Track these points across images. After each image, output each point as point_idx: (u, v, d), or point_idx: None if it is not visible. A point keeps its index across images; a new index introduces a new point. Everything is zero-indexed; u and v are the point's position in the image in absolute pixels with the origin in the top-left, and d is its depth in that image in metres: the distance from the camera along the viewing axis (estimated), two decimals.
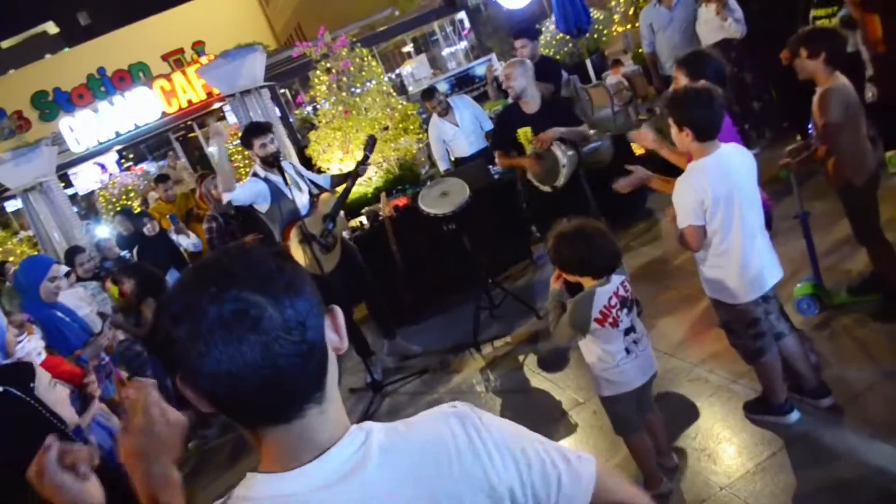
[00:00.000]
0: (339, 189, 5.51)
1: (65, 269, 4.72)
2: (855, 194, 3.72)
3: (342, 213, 5.52)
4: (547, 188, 4.96)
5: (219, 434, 5.84)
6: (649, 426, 3.24)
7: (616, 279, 2.98)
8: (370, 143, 5.46)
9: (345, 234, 5.87)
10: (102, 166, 16.52)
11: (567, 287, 3.12)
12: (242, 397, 0.97)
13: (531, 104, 5.03)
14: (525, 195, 5.57)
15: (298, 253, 4.99)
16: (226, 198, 5.04)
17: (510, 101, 5.33)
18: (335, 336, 1.07)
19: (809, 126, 3.81)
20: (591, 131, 5.16)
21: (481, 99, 8.57)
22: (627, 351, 3.01)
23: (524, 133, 4.97)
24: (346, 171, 6.48)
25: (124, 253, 7.41)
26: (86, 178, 16.81)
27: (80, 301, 4.99)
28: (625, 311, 2.98)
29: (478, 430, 1.10)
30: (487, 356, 5.31)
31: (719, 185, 2.98)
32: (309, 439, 1.02)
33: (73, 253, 6.51)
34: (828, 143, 3.60)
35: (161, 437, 1.29)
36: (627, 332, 3.00)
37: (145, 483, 1.27)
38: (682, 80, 3.48)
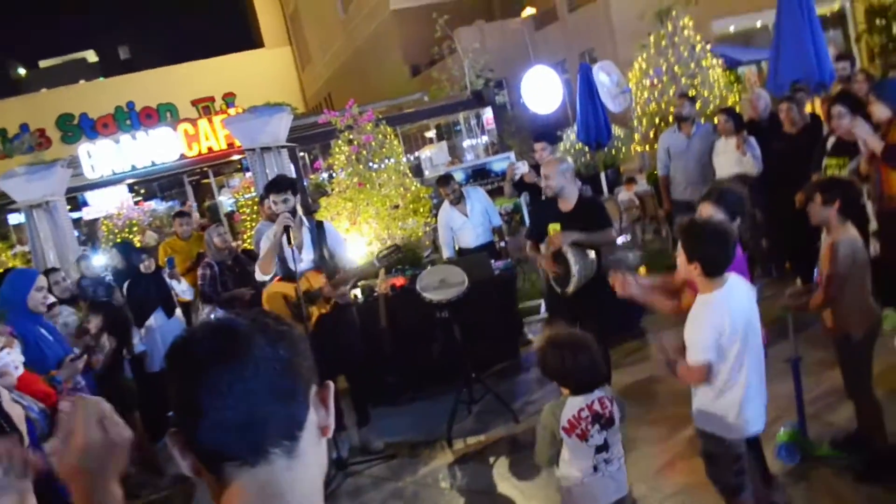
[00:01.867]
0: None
1: (44, 280, 4.69)
2: (852, 347, 3.71)
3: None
4: (559, 291, 4.91)
5: (170, 483, 5.66)
6: None
7: (595, 393, 2.95)
8: (390, 252, 5.39)
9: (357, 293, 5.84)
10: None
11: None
12: (214, 418, 0.96)
13: (567, 202, 4.99)
14: (545, 286, 5.51)
15: (276, 301, 5.03)
16: (259, 277, 5.21)
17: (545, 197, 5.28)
18: (322, 410, 1.06)
19: (815, 272, 3.82)
20: (620, 239, 5.09)
21: (494, 194, 8.66)
22: (595, 468, 2.95)
23: (553, 229, 4.91)
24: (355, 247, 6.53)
25: (108, 278, 7.33)
26: (101, 204, 16.92)
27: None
28: (597, 426, 2.92)
29: None
30: (458, 451, 5.19)
31: (735, 319, 2.97)
32: (274, 496, 0.98)
33: (47, 273, 6.41)
34: (831, 292, 3.61)
35: (102, 454, 1.26)
36: (599, 449, 2.94)
37: (85, 500, 1.23)
38: (707, 210, 3.50)
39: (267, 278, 5.15)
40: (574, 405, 2.92)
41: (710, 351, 2.96)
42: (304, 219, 5.48)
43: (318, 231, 5.43)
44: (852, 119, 4.84)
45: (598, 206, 5.13)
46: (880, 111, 4.79)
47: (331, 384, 1.09)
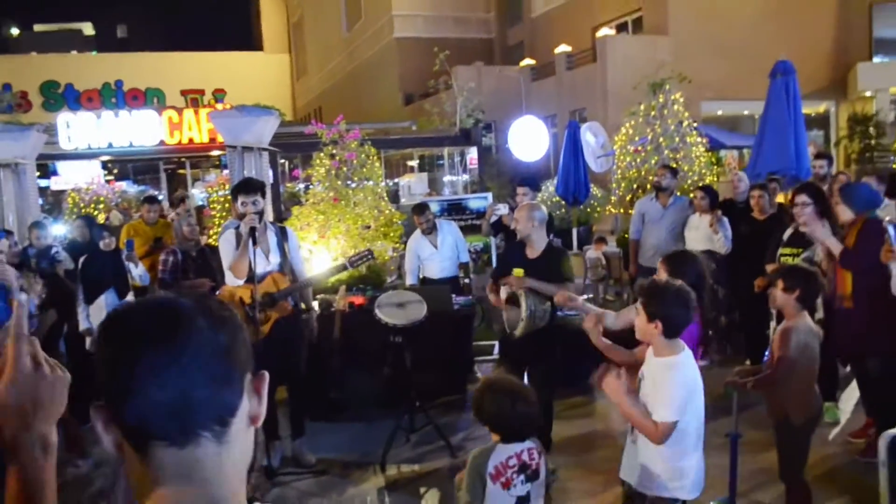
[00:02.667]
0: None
1: (6, 243, 4.56)
2: (791, 432, 3.78)
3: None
4: (509, 332, 4.94)
5: (93, 468, 5.52)
6: None
7: (525, 444, 2.97)
8: (362, 256, 5.49)
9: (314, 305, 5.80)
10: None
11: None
12: (142, 398, 0.93)
13: (534, 249, 5.05)
14: (501, 329, 5.50)
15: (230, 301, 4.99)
16: (232, 280, 5.17)
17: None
18: (255, 399, 1.04)
19: (766, 353, 3.90)
20: (582, 297, 5.07)
21: (467, 231, 8.71)
22: None
23: (517, 273, 4.95)
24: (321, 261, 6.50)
25: (55, 250, 7.17)
26: (71, 176, 16.67)
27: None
28: (522, 477, 2.92)
29: None
30: (390, 478, 5.14)
31: (693, 382, 3.03)
32: (199, 487, 0.96)
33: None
34: (778, 375, 3.68)
35: (36, 390, 1.17)
36: (520, 501, 2.93)
37: (14, 443, 1.17)
38: (662, 275, 3.56)
39: (241, 282, 5.05)
40: (503, 452, 2.92)
41: (680, 412, 2.95)
42: (269, 224, 5.49)
43: (282, 236, 5.45)
44: (814, 220, 5.00)
45: (564, 259, 5.18)
46: (843, 213, 4.96)
47: (265, 374, 1.07)
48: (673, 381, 3.01)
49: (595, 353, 5.80)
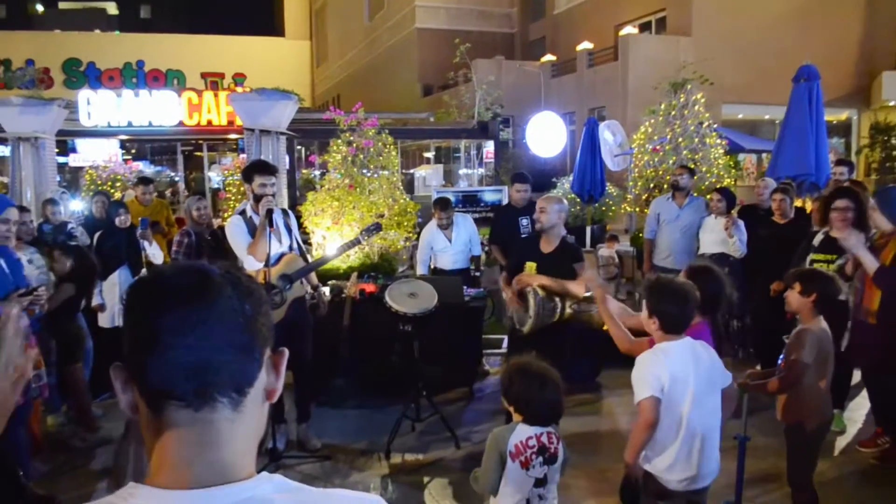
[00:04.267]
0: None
1: (15, 213, 4.53)
2: (802, 436, 3.76)
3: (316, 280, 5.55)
4: (517, 328, 4.90)
5: (99, 442, 5.56)
6: None
7: (546, 427, 3.01)
8: (371, 229, 5.52)
9: (307, 296, 5.81)
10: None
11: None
12: (164, 359, 0.94)
13: (550, 244, 5.00)
14: (510, 323, 5.45)
15: None
16: (252, 265, 5.04)
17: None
18: (273, 375, 1.05)
19: (780, 357, 3.86)
20: (587, 293, 5.02)
21: (480, 223, 8.69)
22: (528, 502, 2.94)
23: (529, 268, 4.94)
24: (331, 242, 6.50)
25: (71, 226, 7.21)
26: (90, 153, 16.74)
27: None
28: (540, 459, 2.95)
29: None
30: (394, 465, 5.15)
31: (679, 370, 3.02)
32: (211, 445, 0.97)
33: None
34: (791, 378, 3.65)
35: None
36: (538, 483, 2.95)
37: None
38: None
39: (261, 265, 5.01)
40: (523, 432, 2.96)
41: (651, 388, 3.01)
42: (282, 214, 5.51)
43: (285, 217, 5.48)
44: (849, 229, 4.81)
45: (578, 255, 5.13)
46: (882, 222, 4.77)
47: (285, 351, 1.08)
48: (643, 361, 3.10)
49: (599, 351, 5.82)
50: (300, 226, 8.05)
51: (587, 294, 5.04)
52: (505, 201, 8.85)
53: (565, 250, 5.02)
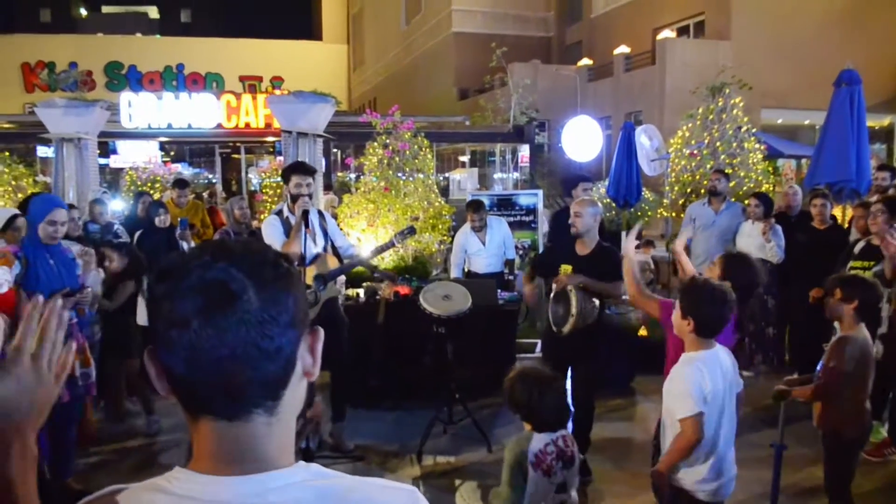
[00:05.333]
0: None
1: (65, 214, 4.63)
2: (841, 445, 3.70)
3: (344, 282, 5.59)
4: (555, 330, 4.83)
5: (154, 433, 5.69)
6: None
7: (559, 432, 3.00)
8: (406, 233, 5.55)
9: (340, 297, 5.86)
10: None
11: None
12: (193, 376, 0.93)
13: (585, 247, 4.95)
14: (544, 326, 5.40)
15: None
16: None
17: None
18: (309, 357, 1.02)
19: (818, 365, 3.80)
20: (624, 295, 4.97)
21: (515, 227, 8.68)
22: None
23: (565, 270, 4.87)
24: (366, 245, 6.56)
25: (117, 226, 7.35)
26: (130, 155, 17.05)
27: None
28: (560, 464, 2.93)
29: None
30: (426, 468, 5.17)
31: (717, 381, 2.97)
32: (249, 448, 0.97)
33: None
34: (830, 386, 3.60)
35: (33, 395, 1.08)
36: (559, 489, 2.93)
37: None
38: (716, 270, 3.51)
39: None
40: (540, 440, 2.95)
41: (696, 403, 2.90)
42: (318, 214, 5.57)
43: (321, 217, 5.54)
44: (890, 228, 4.79)
45: (615, 258, 5.06)
46: None
47: (320, 331, 1.05)
48: (682, 375, 2.99)
49: (634, 356, 5.76)
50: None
51: (624, 297, 4.99)
52: (541, 206, 8.76)
53: (602, 253, 4.97)
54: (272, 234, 5.27)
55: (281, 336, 0.96)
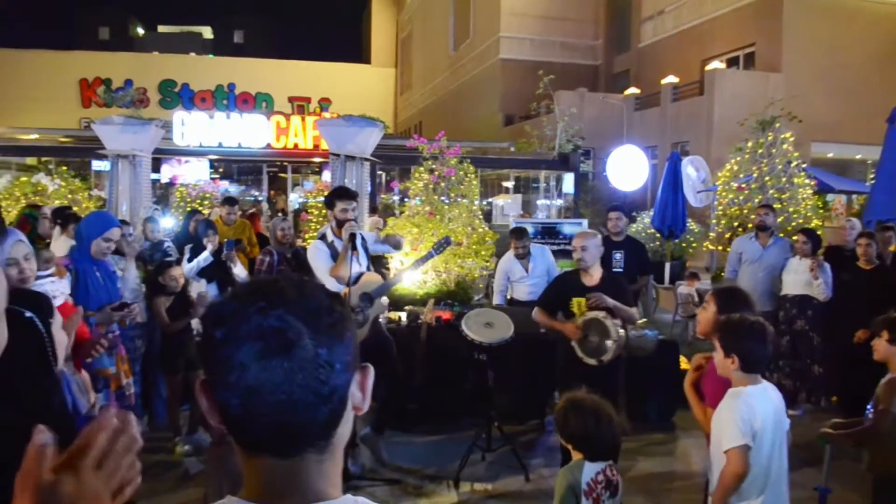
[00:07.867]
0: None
1: (119, 233, 4.79)
2: (892, 490, 3.60)
3: (386, 301, 5.64)
4: (593, 361, 4.69)
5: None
6: None
7: (608, 461, 3.02)
8: (442, 244, 5.62)
9: (381, 319, 5.92)
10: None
11: None
12: (249, 418, 0.97)
13: (592, 277, 4.94)
14: (561, 361, 5.29)
15: None
16: (333, 286, 5.07)
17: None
18: (359, 394, 1.06)
19: (869, 407, 3.73)
20: (641, 319, 4.97)
21: (558, 255, 8.67)
22: None
23: (578, 303, 4.80)
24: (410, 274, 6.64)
25: (167, 244, 7.50)
26: (180, 172, 17.46)
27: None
28: (608, 493, 2.94)
29: None
30: (463, 495, 5.15)
31: (767, 414, 2.92)
32: (301, 484, 1.00)
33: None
34: (879, 429, 3.53)
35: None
36: None
37: None
38: (711, 307, 3.42)
39: (343, 287, 5.13)
40: (591, 469, 2.97)
41: (742, 435, 2.84)
42: (363, 237, 5.67)
43: (362, 240, 5.64)
44: None
45: (624, 284, 5.10)
46: None
47: (370, 368, 1.08)
48: (729, 407, 2.93)
49: (674, 389, 5.67)
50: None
51: (642, 320, 4.95)
52: None
53: (613, 282, 4.99)
54: (319, 258, 5.39)
55: (336, 380, 0.99)
